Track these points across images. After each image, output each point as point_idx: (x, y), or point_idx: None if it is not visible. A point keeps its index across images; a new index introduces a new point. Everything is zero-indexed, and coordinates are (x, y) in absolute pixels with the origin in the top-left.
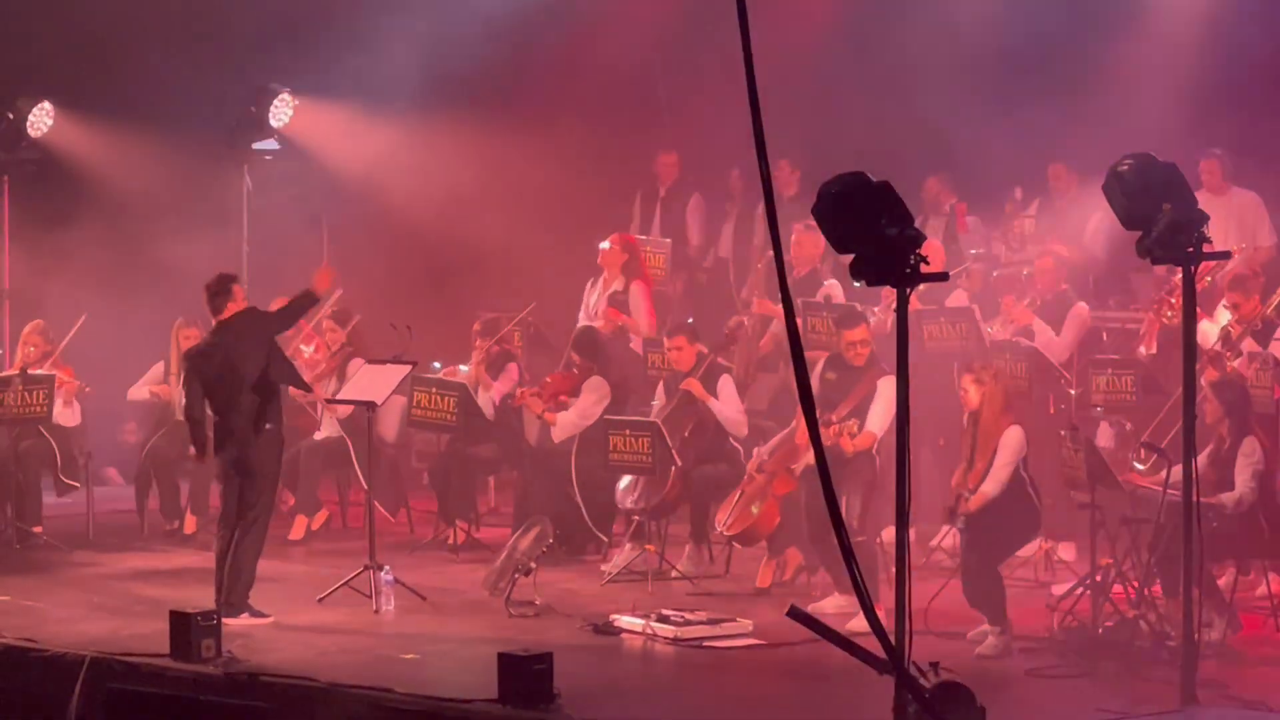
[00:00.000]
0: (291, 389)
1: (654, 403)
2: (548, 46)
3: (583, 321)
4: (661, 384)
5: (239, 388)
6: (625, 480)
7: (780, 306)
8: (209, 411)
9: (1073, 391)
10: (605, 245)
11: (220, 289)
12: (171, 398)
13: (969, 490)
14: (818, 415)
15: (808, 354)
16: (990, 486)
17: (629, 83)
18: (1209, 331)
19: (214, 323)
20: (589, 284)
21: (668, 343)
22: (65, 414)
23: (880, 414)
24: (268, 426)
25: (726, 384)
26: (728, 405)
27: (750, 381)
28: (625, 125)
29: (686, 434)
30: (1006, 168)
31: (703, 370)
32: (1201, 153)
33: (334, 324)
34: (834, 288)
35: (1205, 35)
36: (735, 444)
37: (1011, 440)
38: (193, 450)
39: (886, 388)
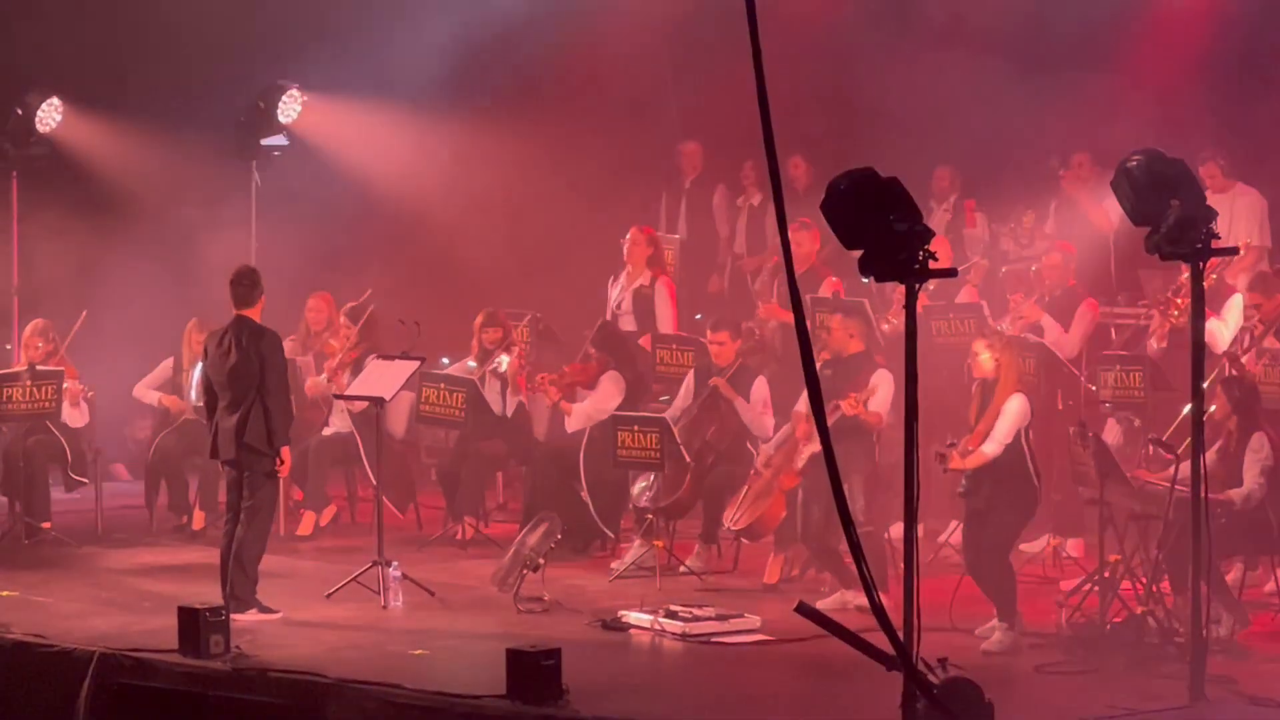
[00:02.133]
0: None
1: (663, 399)
2: (560, 41)
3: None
4: (691, 374)
5: (248, 380)
6: (640, 484)
7: (784, 309)
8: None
9: (1093, 387)
10: (628, 240)
11: (253, 281)
12: (180, 406)
13: (969, 449)
14: (825, 405)
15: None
16: (990, 448)
17: (643, 77)
18: (1217, 331)
19: (235, 314)
20: (610, 280)
21: (710, 336)
22: (72, 414)
23: (881, 399)
24: (266, 421)
25: (760, 386)
26: (757, 406)
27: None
28: (640, 119)
29: (709, 436)
30: (1017, 160)
31: (733, 371)
32: (1198, 157)
33: (349, 320)
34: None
35: (1218, 21)
36: (750, 447)
37: (1014, 407)
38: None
39: (882, 379)
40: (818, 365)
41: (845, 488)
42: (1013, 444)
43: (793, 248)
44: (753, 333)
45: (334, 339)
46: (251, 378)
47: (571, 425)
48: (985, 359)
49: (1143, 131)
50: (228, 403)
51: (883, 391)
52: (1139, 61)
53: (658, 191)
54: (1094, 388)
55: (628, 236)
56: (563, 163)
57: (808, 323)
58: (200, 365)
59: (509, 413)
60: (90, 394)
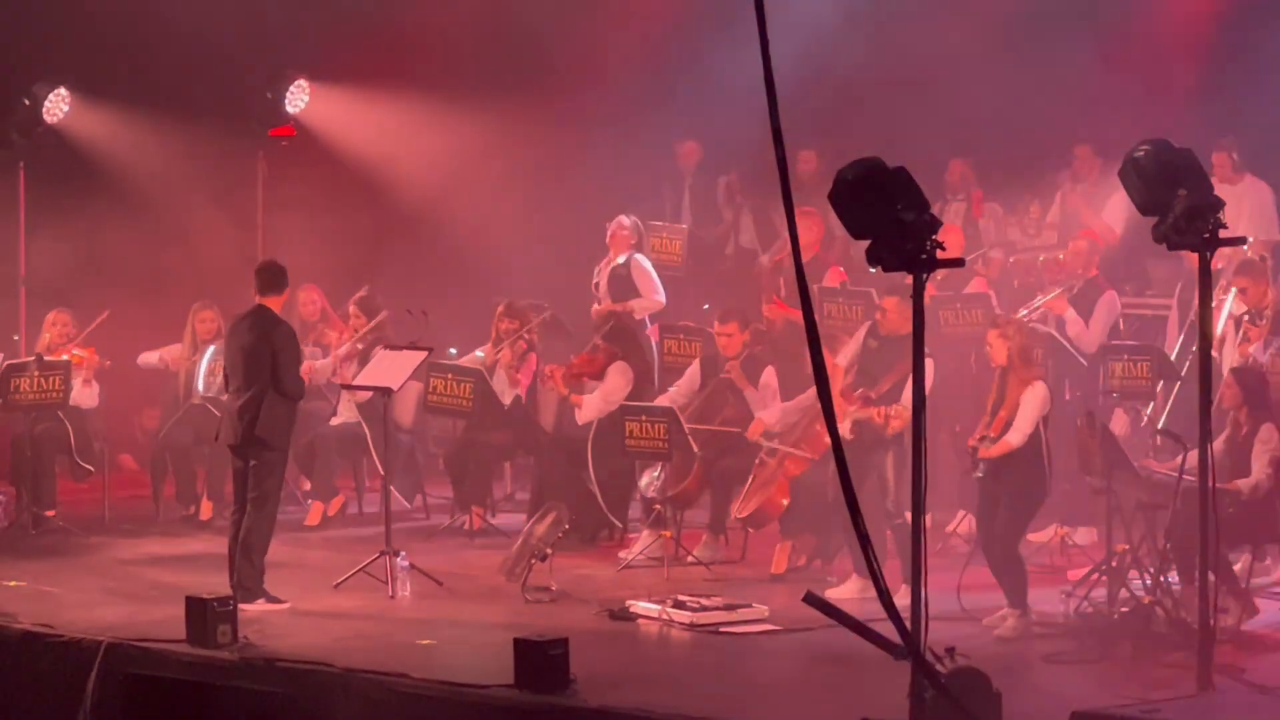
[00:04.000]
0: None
1: (671, 389)
2: (567, 32)
3: (596, 304)
4: (697, 363)
5: (259, 368)
6: (647, 478)
7: (789, 306)
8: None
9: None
10: (612, 225)
11: (279, 272)
12: (181, 366)
13: (991, 436)
14: (858, 388)
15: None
16: (1015, 438)
17: (651, 67)
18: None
19: (257, 302)
20: (597, 268)
21: (718, 328)
22: (85, 394)
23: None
24: (275, 411)
25: (770, 375)
26: (766, 396)
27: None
28: (645, 110)
29: (717, 424)
30: (1026, 152)
31: (741, 361)
32: (1213, 144)
33: (359, 311)
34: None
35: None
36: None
37: (1036, 396)
38: None
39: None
40: (862, 334)
41: (875, 475)
42: (1033, 433)
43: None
44: (761, 330)
45: (330, 330)
46: (262, 366)
47: (582, 417)
48: (998, 347)
49: (1148, 122)
50: (236, 387)
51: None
52: (1146, 53)
53: (661, 183)
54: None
55: (612, 222)
56: (572, 153)
57: (815, 315)
58: (211, 351)
59: (516, 401)
60: (108, 363)
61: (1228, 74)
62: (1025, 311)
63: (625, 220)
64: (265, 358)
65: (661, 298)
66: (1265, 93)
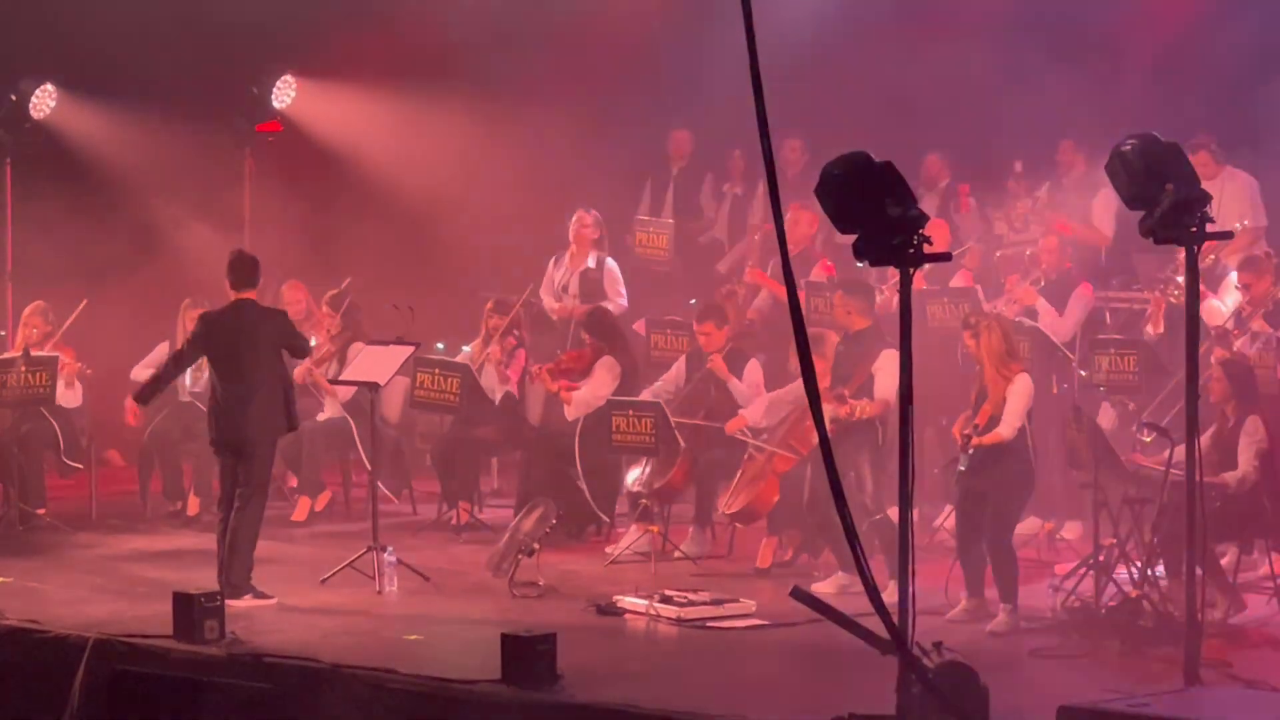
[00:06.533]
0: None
1: (658, 384)
2: (552, 24)
3: (546, 299)
4: (683, 358)
5: (246, 364)
6: (634, 473)
7: (774, 279)
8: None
9: (1082, 372)
10: (574, 223)
11: (253, 264)
12: (176, 381)
13: (978, 426)
14: (833, 388)
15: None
16: (1005, 430)
17: (634, 61)
18: (1216, 309)
19: (234, 296)
20: (552, 260)
21: (696, 327)
22: (67, 395)
23: (887, 384)
24: (266, 405)
25: (754, 368)
26: (750, 389)
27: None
28: (629, 104)
29: (700, 418)
30: (1010, 145)
31: (725, 352)
32: (1188, 146)
33: (330, 309)
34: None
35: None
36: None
37: (1022, 388)
38: (130, 400)
39: (888, 360)
40: (836, 341)
41: (853, 473)
42: (1020, 425)
43: (791, 227)
44: (734, 293)
45: (315, 330)
46: (257, 360)
47: (571, 413)
48: (970, 346)
49: (1135, 115)
50: (226, 383)
51: (886, 376)
52: (1130, 45)
53: (636, 174)
54: (1084, 373)
55: (574, 218)
56: (561, 148)
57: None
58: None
59: (506, 397)
60: (89, 371)
61: (1213, 65)
62: (989, 306)
63: (587, 216)
64: (263, 351)
65: (625, 302)
66: (1235, 85)
